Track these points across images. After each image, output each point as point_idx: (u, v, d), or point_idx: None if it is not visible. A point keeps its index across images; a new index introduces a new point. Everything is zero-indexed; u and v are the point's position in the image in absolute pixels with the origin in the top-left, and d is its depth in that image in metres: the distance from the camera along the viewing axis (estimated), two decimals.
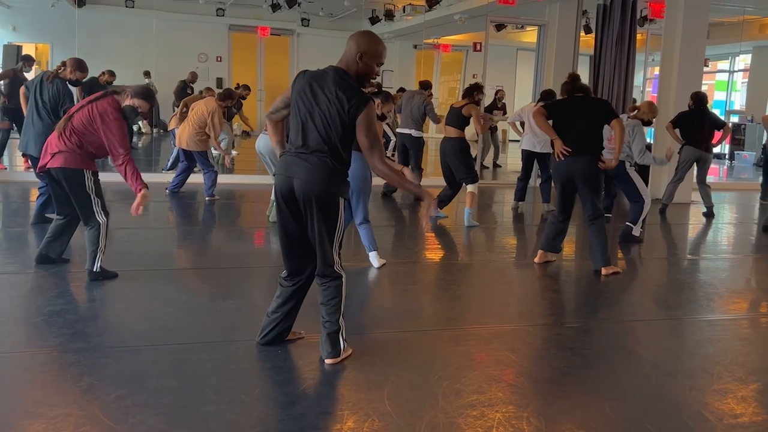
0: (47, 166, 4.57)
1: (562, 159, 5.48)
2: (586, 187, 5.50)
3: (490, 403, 3.08)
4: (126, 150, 4.56)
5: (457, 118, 7.25)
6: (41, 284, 4.67)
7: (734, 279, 5.88)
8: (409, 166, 8.29)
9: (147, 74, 12.81)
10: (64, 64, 6.00)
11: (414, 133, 8.76)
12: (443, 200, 7.53)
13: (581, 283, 5.53)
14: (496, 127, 13.00)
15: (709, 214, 8.54)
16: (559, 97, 6.63)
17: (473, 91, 7.39)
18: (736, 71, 17.28)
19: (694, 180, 8.90)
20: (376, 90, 5.94)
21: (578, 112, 5.51)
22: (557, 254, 5.89)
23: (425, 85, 9.35)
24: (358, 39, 3.31)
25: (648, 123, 7.22)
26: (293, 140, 3.33)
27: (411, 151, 8.86)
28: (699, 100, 8.44)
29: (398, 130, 8.91)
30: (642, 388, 3.37)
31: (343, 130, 3.26)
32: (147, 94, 4.75)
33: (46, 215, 6.20)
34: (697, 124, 8.41)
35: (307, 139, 3.28)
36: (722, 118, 9.23)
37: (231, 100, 8.49)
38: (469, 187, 7.27)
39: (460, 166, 7.26)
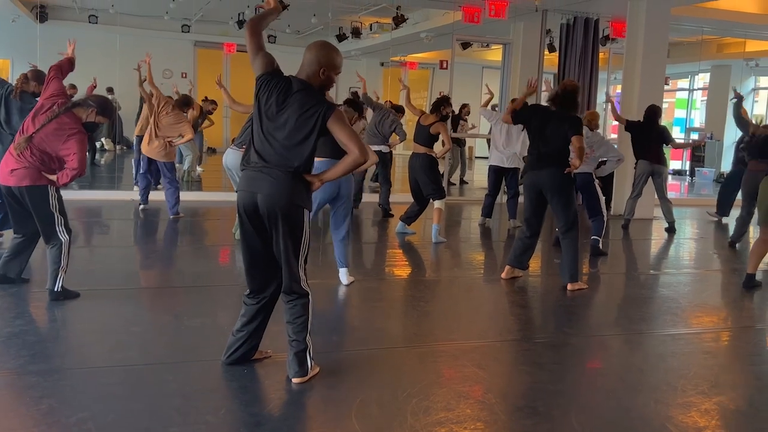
0: (9, 184, 4.45)
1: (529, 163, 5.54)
2: (558, 198, 5.53)
3: (459, 420, 3.07)
4: (82, 167, 4.47)
5: (426, 136, 7.27)
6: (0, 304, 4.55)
7: (696, 293, 5.98)
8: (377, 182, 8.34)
9: (110, 90, 12.65)
10: (26, 77, 5.89)
11: (384, 149, 8.81)
12: (410, 216, 7.54)
13: (548, 299, 5.57)
14: (464, 142, 13.13)
15: (671, 230, 8.69)
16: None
17: (440, 106, 7.37)
18: (696, 89, 17.69)
19: (656, 195, 9.05)
20: (350, 99, 5.91)
21: (551, 124, 5.51)
22: (524, 270, 5.93)
23: (399, 110, 9.49)
24: (318, 52, 3.31)
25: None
26: (254, 154, 3.30)
27: (380, 166, 8.93)
28: (648, 113, 8.60)
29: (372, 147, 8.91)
30: (608, 403, 3.40)
31: (309, 143, 3.26)
32: (107, 108, 4.68)
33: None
34: (645, 138, 8.56)
35: (269, 153, 3.26)
36: (672, 135, 9.41)
37: (188, 107, 8.46)
38: (437, 204, 7.30)
39: (429, 182, 7.27)
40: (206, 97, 11.75)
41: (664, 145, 8.71)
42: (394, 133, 8.85)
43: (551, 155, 5.49)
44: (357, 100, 5.86)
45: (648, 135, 8.55)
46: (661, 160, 8.68)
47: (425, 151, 7.27)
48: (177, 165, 9.23)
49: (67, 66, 4.97)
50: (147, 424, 2.90)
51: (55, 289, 4.55)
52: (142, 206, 8.34)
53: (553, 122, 5.52)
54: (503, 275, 5.83)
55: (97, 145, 14.46)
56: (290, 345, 3.40)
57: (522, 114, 5.72)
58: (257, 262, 3.41)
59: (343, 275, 5.38)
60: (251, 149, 3.33)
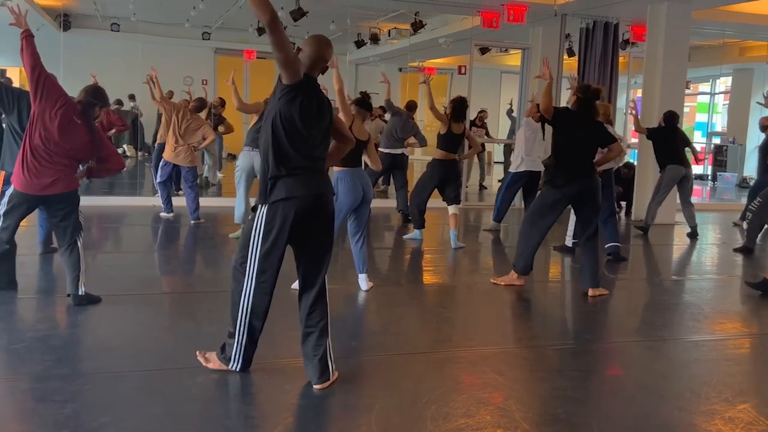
0: (49, 193, 4.45)
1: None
2: (594, 204, 5.49)
3: (479, 427, 3.06)
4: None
5: (458, 143, 7.34)
6: (22, 310, 4.60)
7: (719, 299, 5.91)
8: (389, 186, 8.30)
9: (132, 97, 12.80)
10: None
11: (403, 151, 8.88)
12: (422, 224, 7.53)
13: (567, 305, 5.54)
14: (483, 147, 13.09)
15: (693, 235, 8.60)
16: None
17: (464, 109, 7.43)
18: (717, 93, 17.52)
19: (677, 200, 8.95)
20: (360, 99, 5.83)
21: (584, 129, 5.46)
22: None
23: (412, 107, 9.42)
24: (308, 45, 3.40)
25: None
26: (300, 158, 3.26)
27: (398, 170, 8.92)
28: (670, 118, 8.53)
29: (388, 150, 8.90)
30: (629, 410, 3.37)
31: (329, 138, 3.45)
32: (102, 96, 4.77)
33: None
34: (671, 142, 8.47)
35: (314, 155, 3.33)
36: (690, 140, 9.32)
37: (204, 109, 8.57)
38: (454, 209, 7.29)
39: (458, 186, 7.41)
40: (219, 98, 11.80)
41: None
42: (412, 137, 8.87)
43: (588, 161, 5.48)
44: (367, 100, 5.79)
45: (673, 140, 8.47)
46: (689, 163, 8.62)
47: (455, 157, 7.31)
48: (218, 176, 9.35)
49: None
50: (168, 428, 2.92)
51: (80, 293, 4.59)
52: (170, 215, 8.40)
53: (585, 127, 5.47)
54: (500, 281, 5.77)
55: (119, 151, 14.64)
56: (313, 351, 3.40)
57: (564, 117, 5.53)
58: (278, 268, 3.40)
59: (363, 281, 5.38)
60: (290, 154, 3.24)
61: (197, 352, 3.61)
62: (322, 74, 3.45)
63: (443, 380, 3.63)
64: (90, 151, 4.55)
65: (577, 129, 5.45)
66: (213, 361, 3.54)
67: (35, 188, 4.41)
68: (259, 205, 3.30)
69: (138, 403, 3.16)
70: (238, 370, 3.47)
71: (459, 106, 7.36)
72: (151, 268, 6.30)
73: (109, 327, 4.33)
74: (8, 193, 4.51)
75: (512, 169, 8.29)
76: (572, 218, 7.02)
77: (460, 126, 7.30)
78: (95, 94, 4.67)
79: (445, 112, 7.44)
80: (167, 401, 3.20)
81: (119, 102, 12.49)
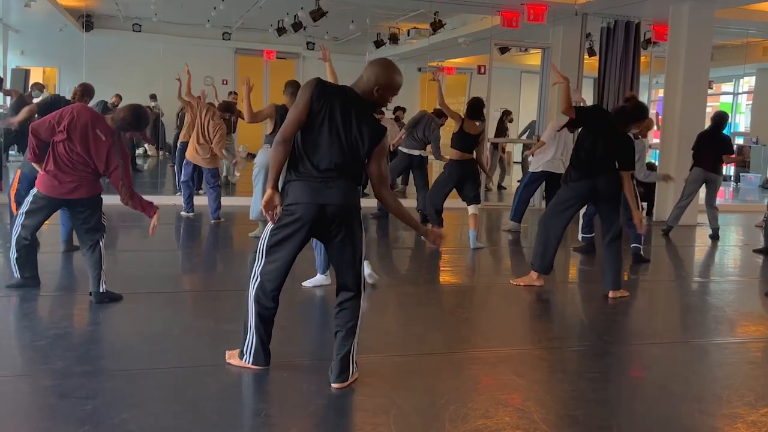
0: (75, 197, 4.54)
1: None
2: (614, 203, 5.43)
3: (498, 428, 3.05)
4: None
5: (473, 144, 7.26)
6: (45, 307, 4.66)
7: (742, 302, 5.83)
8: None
9: (153, 97, 12.91)
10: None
11: (423, 153, 8.86)
12: (440, 224, 7.48)
13: (587, 306, 5.50)
14: (503, 148, 13.06)
15: (715, 237, 8.50)
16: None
17: (480, 109, 7.40)
18: (741, 93, 17.31)
19: (700, 202, 8.86)
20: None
21: (612, 138, 5.38)
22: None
23: (440, 114, 9.35)
24: (377, 71, 3.29)
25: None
26: (318, 163, 3.25)
27: (417, 170, 8.92)
28: (718, 120, 8.42)
29: (407, 150, 8.90)
30: (651, 412, 3.33)
31: (361, 156, 3.32)
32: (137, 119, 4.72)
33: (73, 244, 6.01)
34: (706, 144, 8.35)
35: (334, 162, 3.26)
36: (733, 145, 9.10)
37: (230, 112, 8.57)
38: (474, 209, 7.26)
39: (476, 186, 7.38)
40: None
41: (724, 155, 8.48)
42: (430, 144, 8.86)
43: (605, 159, 5.37)
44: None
45: (709, 142, 8.36)
46: (718, 170, 8.48)
47: (471, 157, 7.28)
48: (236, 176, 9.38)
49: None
50: (188, 426, 2.94)
51: (101, 291, 4.64)
52: (190, 214, 8.47)
53: (611, 130, 5.39)
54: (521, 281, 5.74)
55: (140, 150, 14.79)
56: (338, 349, 3.40)
57: (590, 114, 5.59)
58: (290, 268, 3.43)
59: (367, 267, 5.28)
60: (305, 159, 3.26)
61: (227, 351, 3.64)
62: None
63: (462, 381, 3.62)
64: (105, 167, 4.57)
65: (601, 129, 5.39)
66: (234, 358, 3.57)
67: (58, 192, 4.51)
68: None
69: (158, 401, 3.19)
70: (250, 364, 3.49)
71: (475, 105, 7.34)
72: (172, 266, 6.35)
73: (129, 325, 4.37)
74: (33, 193, 4.63)
75: (531, 169, 8.27)
76: (581, 212, 6.94)
77: (475, 126, 7.27)
78: (136, 121, 4.62)
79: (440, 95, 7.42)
80: (187, 399, 3.22)
81: (153, 97, 12.62)
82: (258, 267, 3.40)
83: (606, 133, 5.37)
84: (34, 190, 4.62)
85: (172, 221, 8.34)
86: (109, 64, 13.06)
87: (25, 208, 4.64)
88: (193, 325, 4.46)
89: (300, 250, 3.38)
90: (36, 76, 13.57)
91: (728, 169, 16.57)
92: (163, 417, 3.01)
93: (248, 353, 3.50)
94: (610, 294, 5.45)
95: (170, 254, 6.88)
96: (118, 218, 8.00)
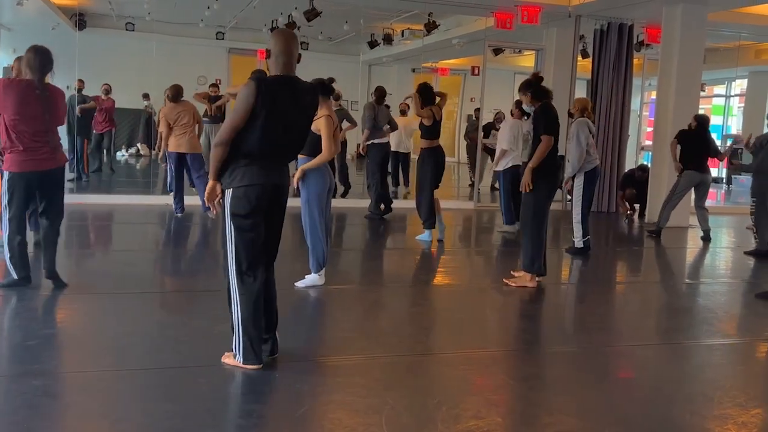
0: (52, 167, 4.58)
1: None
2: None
3: (489, 429, 3.05)
4: None
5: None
6: (36, 306, 4.64)
7: (733, 303, 5.87)
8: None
9: (146, 96, 12.88)
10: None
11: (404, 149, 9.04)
12: (432, 224, 7.47)
13: (579, 307, 5.52)
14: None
15: (706, 238, 8.54)
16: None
17: (432, 93, 7.45)
18: (733, 96, 17.38)
19: (691, 204, 8.89)
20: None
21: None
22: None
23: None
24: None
25: (571, 115, 7.37)
26: (268, 148, 3.43)
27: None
28: (702, 121, 8.45)
29: (378, 140, 8.96)
30: (642, 414, 3.35)
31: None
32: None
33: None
34: (697, 147, 8.38)
35: (281, 147, 3.52)
36: (719, 148, 9.14)
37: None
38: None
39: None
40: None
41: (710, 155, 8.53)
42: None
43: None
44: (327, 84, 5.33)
45: (699, 144, 8.40)
46: (709, 170, 8.54)
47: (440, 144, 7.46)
48: None
49: None
50: (180, 426, 2.93)
51: (55, 269, 4.78)
52: (179, 214, 8.43)
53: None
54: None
55: (132, 150, 14.75)
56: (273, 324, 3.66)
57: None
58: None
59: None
60: (260, 144, 3.39)
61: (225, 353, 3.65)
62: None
63: (454, 382, 3.63)
64: (44, 121, 4.57)
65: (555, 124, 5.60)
66: (228, 358, 3.58)
67: (33, 165, 4.52)
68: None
69: (151, 400, 3.18)
70: (241, 363, 3.50)
71: (425, 91, 7.37)
72: (164, 266, 6.33)
73: (122, 325, 4.35)
74: (6, 179, 4.60)
75: (500, 168, 8.23)
76: (576, 217, 6.98)
77: (438, 110, 7.34)
78: (37, 57, 4.60)
79: (417, 104, 7.39)
80: (179, 398, 3.21)
81: (146, 96, 12.60)
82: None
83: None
84: (5, 177, 4.58)
85: (166, 221, 8.32)
86: (101, 63, 13.00)
87: (4, 200, 4.63)
88: (186, 325, 4.44)
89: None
90: None
91: (720, 171, 16.66)
92: (154, 416, 3.00)
93: (238, 352, 3.52)
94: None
95: (162, 253, 6.86)
96: (110, 217, 7.99)
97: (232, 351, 3.55)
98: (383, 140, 9.01)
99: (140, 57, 12.28)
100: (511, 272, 5.79)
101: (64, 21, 12.11)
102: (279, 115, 3.38)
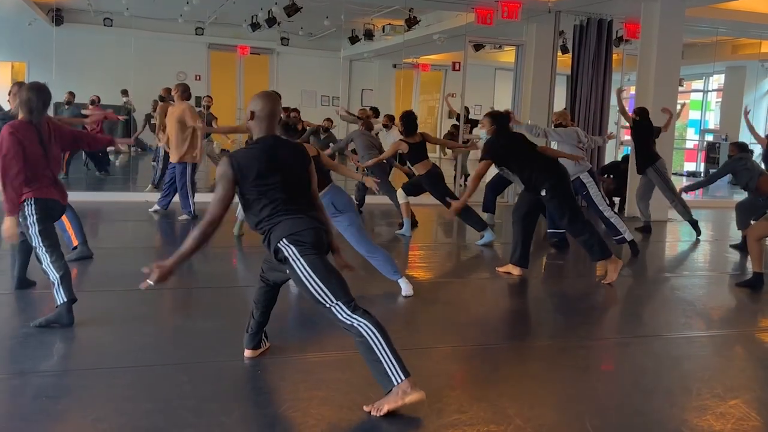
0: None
1: None
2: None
3: (472, 423, 3.07)
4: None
5: (424, 148, 7.49)
6: (16, 305, 4.59)
7: (711, 296, 5.94)
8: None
9: (125, 93, 12.76)
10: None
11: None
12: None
13: (560, 302, 5.55)
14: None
15: (647, 230, 8.65)
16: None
17: (414, 122, 7.52)
18: (710, 91, 17.58)
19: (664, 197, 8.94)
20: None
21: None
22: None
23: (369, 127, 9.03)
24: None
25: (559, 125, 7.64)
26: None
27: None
28: (642, 114, 8.60)
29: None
30: (622, 406, 3.38)
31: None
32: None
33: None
34: (651, 138, 8.60)
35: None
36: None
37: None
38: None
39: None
40: (208, 96, 11.68)
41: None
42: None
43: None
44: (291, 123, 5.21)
45: (652, 135, 8.62)
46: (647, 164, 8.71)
47: (432, 163, 7.54)
48: None
49: None
50: (161, 424, 2.92)
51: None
52: (159, 210, 8.36)
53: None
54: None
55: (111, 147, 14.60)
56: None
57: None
58: None
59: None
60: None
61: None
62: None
63: (436, 376, 3.64)
64: (46, 163, 4.25)
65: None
66: (388, 402, 3.16)
67: (58, 195, 4.32)
68: None
69: (132, 399, 3.16)
70: (409, 387, 3.14)
71: (408, 120, 7.43)
72: (143, 263, 6.26)
73: (102, 323, 4.31)
74: (29, 215, 4.17)
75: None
76: (607, 212, 7.07)
77: (415, 137, 7.37)
78: (38, 94, 4.17)
79: (400, 130, 7.53)
80: (160, 397, 3.20)
81: (125, 92, 12.46)
82: None
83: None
84: (30, 208, 4.15)
85: (145, 218, 8.25)
86: (79, 60, 12.86)
87: (35, 229, 4.18)
88: (166, 323, 4.42)
89: None
90: (4, 71, 13.34)
91: (698, 166, 16.84)
92: (136, 416, 2.98)
93: (395, 375, 3.14)
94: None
95: (142, 251, 6.80)
96: (91, 214, 7.90)
97: (386, 395, 3.15)
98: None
99: (119, 53, 12.16)
100: (496, 269, 5.84)
101: (41, 16, 11.96)
102: (272, 173, 3.25)
